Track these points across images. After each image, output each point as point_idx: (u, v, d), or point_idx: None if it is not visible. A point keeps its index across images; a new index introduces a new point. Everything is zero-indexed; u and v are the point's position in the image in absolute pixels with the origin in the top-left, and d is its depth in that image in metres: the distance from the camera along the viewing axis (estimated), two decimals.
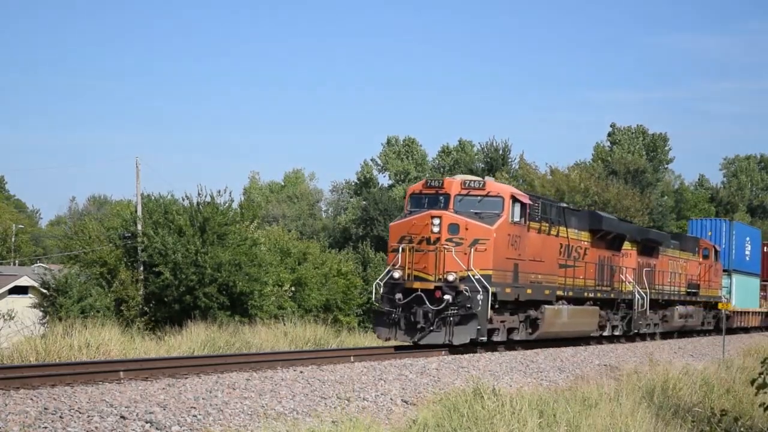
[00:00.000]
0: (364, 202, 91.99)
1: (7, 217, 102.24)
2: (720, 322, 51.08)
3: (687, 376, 21.70)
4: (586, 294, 33.34)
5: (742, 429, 16.11)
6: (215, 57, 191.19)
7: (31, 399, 13.54)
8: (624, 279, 37.74)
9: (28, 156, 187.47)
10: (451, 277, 26.04)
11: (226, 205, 45.99)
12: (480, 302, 25.96)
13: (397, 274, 26.57)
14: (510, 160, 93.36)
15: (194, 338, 30.69)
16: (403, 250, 26.55)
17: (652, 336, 41.94)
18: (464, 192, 27.26)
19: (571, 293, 31.94)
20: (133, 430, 12.34)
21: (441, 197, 27.35)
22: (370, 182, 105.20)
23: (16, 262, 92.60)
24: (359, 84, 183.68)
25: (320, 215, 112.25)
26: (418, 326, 25.96)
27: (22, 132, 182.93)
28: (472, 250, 26.30)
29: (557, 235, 31.01)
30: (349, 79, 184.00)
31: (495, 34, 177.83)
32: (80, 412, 12.71)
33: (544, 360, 26.65)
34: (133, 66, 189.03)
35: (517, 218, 27.71)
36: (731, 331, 52.85)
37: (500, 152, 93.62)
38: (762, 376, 14.76)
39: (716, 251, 50.14)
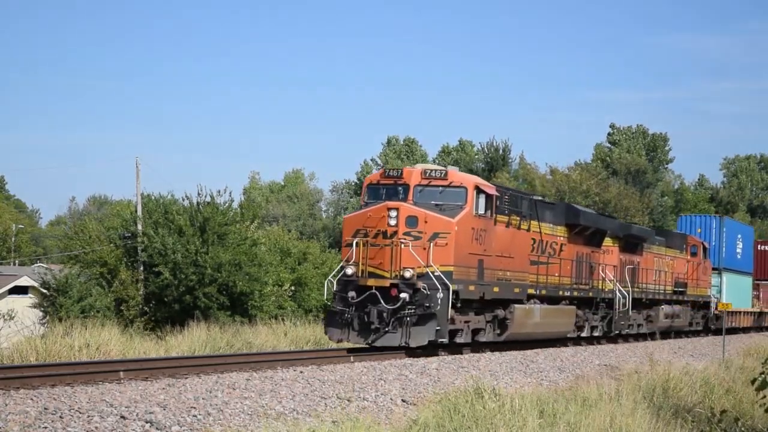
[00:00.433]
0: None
1: (7, 217, 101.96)
2: (709, 322, 49.25)
3: (687, 376, 21.34)
4: (561, 292, 31.40)
5: (742, 429, 16.02)
6: (215, 57, 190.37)
7: (31, 399, 13.46)
8: (604, 277, 35.81)
9: (28, 156, 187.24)
10: (407, 274, 24.11)
11: (226, 205, 45.89)
12: (439, 301, 24.03)
13: (350, 271, 24.64)
14: (510, 160, 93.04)
15: (195, 338, 30.57)
16: (357, 244, 24.62)
17: (636, 337, 40.04)
18: (425, 182, 25.35)
19: (544, 292, 30.00)
20: (133, 430, 12.25)
21: (400, 188, 25.43)
22: None
23: (16, 262, 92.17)
24: (359, 84, 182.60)
25: (320, 215, 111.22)
26: (373, 327, 24.04)
27: (22, 132, 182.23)
28: (432, 244, 24.38)
29: (528, 230, 29.08)
30: (349, 79, 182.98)
31: (495, 34, 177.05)
32: (80, 412, 12.64)
33: (544, 360, 26.15)
34: (133, 66, 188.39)
35: (482, 210, 25.77)
36: (721, 331, 50.92)
37: (500, 152, 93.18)
38: (762, 376, 14.61)
39: (705, 248, 48.18)
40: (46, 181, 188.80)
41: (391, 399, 16.92)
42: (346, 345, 25.31)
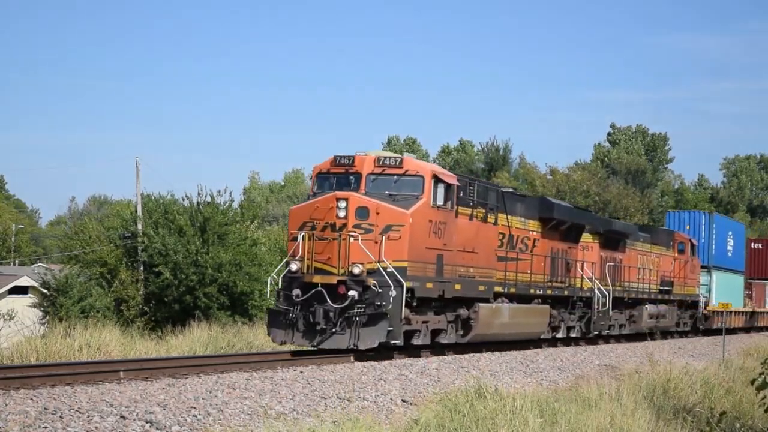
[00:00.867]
0: None
1: (7, 217, 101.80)
2: (698, 322, 47.28)
3: (687, 376, 21.18)
4: (533, 291, 29.43)
5: (741, 429, 16.02)
6: (215, 57, 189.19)
7: (31, 399, 13.41)
8: (583, 275, 33.83)
9: (28, 156, 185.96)
10: (356, 270, 22.13)
11: (226, 205, 46.15)
12: (392, 299, 22.06)
13: (294, 267, 22.68)
14: (510, 160, 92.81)
15: (195, 338, 30.58)
16: (303, 238, 22.64)
17: (618, 338, 38.07)
18: (378, 170, 23.38)
19: (513, 290, 28.02)
20: (133, 430, 12.19)
21: (351, 177, 23.46)
22: None
23: (16, 262, 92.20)
24: (359, 84, 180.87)
25: None
26: (318, 328, 22.06)
27: (22, 132, 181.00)
28: (384, 238, 22.40)
29: (496, 223, 27.09)
30: (349, 79, 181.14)
31: (495, 34, 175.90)
32: (80, 412, 12.59)
33: (544, 360, 25.84)
34: (134, 66, 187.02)
35: (440, 201, 23.79)
36: (710, 332, 48.99)
37: (500, 152, 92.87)
38: (762, 376, 14.55)
39: (693, 245, 46.18)
40: (46, 181, 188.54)
41: (391, 399, 16.69)
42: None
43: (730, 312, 52.51)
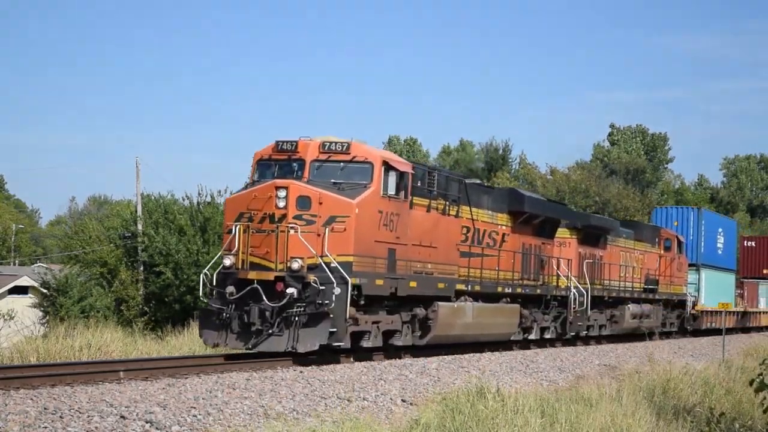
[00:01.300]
0: None
1: (7, 217, 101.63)
2: (686, 323, 45.33)
3: (687, 376, 21.08)
4: (501, 289, 27.44)
5: (741, 430, 16.09)
6: (215, 57, 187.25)
7: (31, 399, 13.41)
8: (558, 272, 31.87)
9: (28, 156, 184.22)
10: (295, 265, 20.16)
11: None
12: (335, 297, 20.09)
13: (228, 262, 20.71)
14: (510, 160, 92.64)
15: (195, 338, 29.88)
16: (238, 230, 20.68)
17: (599, 340, 36.10)
18: (323, 157, 21.42)
19: (478, 288, 26.05)
20: (133, 430, 12.15)
21: (294, 164, 21.52)
22: None
23: (16, 262, 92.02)
24: (360, 84, 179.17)
25: None
26: (254, 329, 20.08)
27: (22, 132, 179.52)
28: (328, 230, 20.43)
29: (458, 216, 25.11)
30: (350, 79, 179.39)
31: (495, 34, 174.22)
32: (80, 412, 12.55)
33: (544, 360, 25.60)
34: (134, 66, 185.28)
35: (392, 191, 21.82)
36: (699, 333, 47.03)
37: (500, 152, 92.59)
38: (761, 377, 14.59)
39: (680, 242, 44.18)
40: (46, 181, 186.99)
41: (391, 399, 16.59)
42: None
43: (720, 312, 50.62)
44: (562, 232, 33.37)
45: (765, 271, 63.41)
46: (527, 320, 29.35)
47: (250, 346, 20.17)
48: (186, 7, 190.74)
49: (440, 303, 23.99)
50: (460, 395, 15.16)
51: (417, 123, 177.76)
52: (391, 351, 23.30)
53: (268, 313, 19.97)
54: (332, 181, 21.12)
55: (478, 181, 28.06)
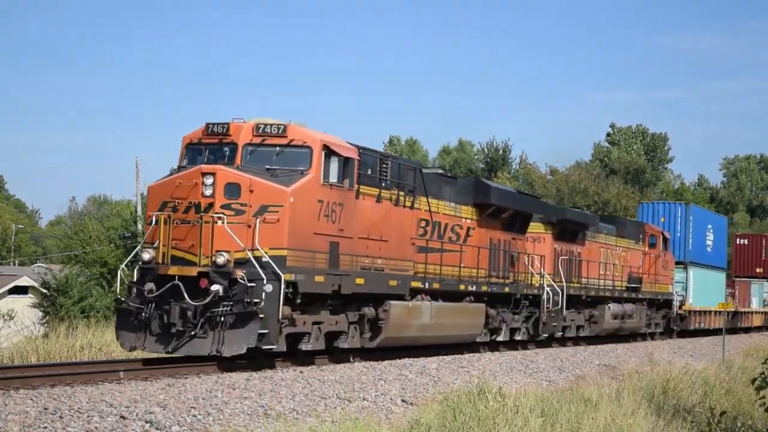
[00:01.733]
0: None
1: (7, 217, 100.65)
2: (672, 323, 43.37)
3: (687, 376, 20.96)
4: (464, 287, 25.45)
5: (741, 429, 16.05)
6: (215, 57, 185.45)
7: (31, 399, 13.40)
8: (531, 269, 29.90)
9: (28, 156, 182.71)
10: (220, 260, 18.18)
11: None
12: (265, 295, 18.12)
13: (147, 256, 18.72)
14: (510, 160, 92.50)
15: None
16: (159, 221, 18.69)
17: (577, 341, 34.11)
18: (257, 140, 19.45)
19: (437, 285, 24.06)
20: (133, 430, 12.08)
21: (226, 148, 19.55)
22: None
23: (16, 262, 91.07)
24: (359, 84, 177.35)
25: None
26: (174, 330, 18.09)
27: (22, 132, 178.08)
28: (259, 220, 18.45)
29: (413, 207, 23.13)
30: (349, 78, 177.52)
31: (495, 34, 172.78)
32: (80, 412, 12.53)
33: (544, 360, 25.48)
34: (134, 65, 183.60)
35: (334, 178, 19.84)
36: (686, 334, 45.08)
37: (500, 152, 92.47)
38: (762, 375, 14.53)
39: (665, 239, 42.19)
40: (46, 181, 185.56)
41: (390, 399, 16.47)
42: None
43: (708, 312, 48.68)
44: (535, 227, 31.44)
45: (758, 270, 61.53)
46: (494, 321, 27.36)
47: (170, 350, 18.17)
48: (186, 7, 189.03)
49: (392, 302, 22.02)
50: (461, 395, 14.91)
51: (417, 123, 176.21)
52: (337, 354, 21.32)
53: (190, 313, 17.98)
54: (268, 167, 19.16)
55: (440, 171, 26.04)
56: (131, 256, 20.69)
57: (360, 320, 21.36)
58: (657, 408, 16.88)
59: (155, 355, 19.53)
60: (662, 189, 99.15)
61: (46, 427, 11.69)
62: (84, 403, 13.15)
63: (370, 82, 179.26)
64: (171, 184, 18.95)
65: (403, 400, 16.62)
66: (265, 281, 18.09)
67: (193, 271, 18.16)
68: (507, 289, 27.82)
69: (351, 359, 21.71)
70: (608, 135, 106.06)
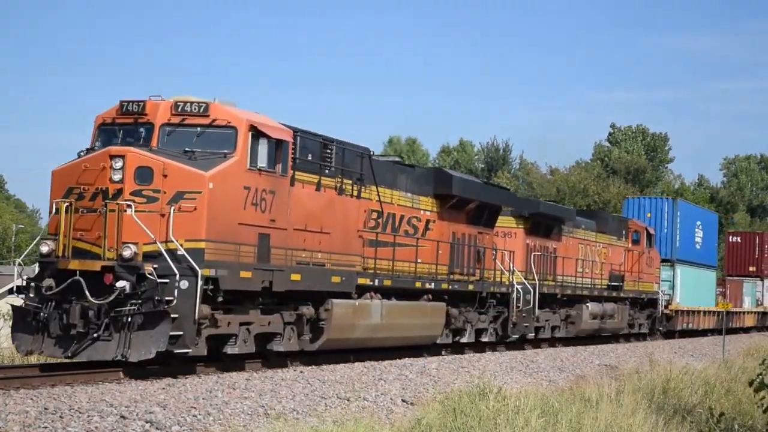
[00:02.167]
0: None
1: (8, 217, 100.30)
2: (657, 324, 41.38)
3: (687, 376, 20.98)
4: (421, 284, 23.43)
5: (741, 430, 16.23)
6: (214, 56, 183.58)
7: (31, 399, 13.25)
8: (501, 266, 27.91)
9: (28, 156, 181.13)
10: (127, 253, 16.17)
11: None
12: (177, 292, 16.12)
13: (45, 249, 16.70)
14: (510, 160, 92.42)
15: None
16: (58, 210, 16.67)
17: (553, 342, 32.12)
18: (176, 120, 17.43)
19: (389, 282, 22.05)
20: (133, 430, 11.97)
21: (142, 128, 17.53)
22: None
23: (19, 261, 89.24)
24: (359, 84, 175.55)
25: None
26: (75, 332, 16.07)
27: (22, 132, 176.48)
28: (173, 209, 16.45)
29: (359, 197, 21.13)
30: (349, 78, 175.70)
31: (495, 34, 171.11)
32: (80, 412, 12.40)
33: (544, 360, 25.39)
34: (133, 65, 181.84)
35: (263, 163, 17.80)
36: (674, 335, 43.10)
37: (500, 152, 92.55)
38: (760, 376, 14.55)
39: (650, 235, 40.19)
40: (46, 181, 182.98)
41: (391, 399, 16.37)
42: None
43: (698, 312, 46.73)
44: (506, 221, 29.49)
45: (751, 269, 59.54)
46: (457, 321, 25.34)
47: (69, 354, 16.15)
48: (186, 7, 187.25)
49: (335, 300, 20.02)
50: (462, 395, 14.84)
51: (417, 123, 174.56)
52: (272, 358, 19.32)
53: (92, 313, 15.96)
54: (188, 149, 17.16)
55: (397, 159, 24.02)
56: (29, 249, 18.61)
57: (298, 321, 19.36)
58: (657, 408, 16.78)
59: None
60: (662, 189, 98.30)
61: (46, 427, 11.51)
62: (84, 403, 12.98)
63: (370, 82, 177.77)
64: (77, 168, 16.94)
65: (403, 400, 16.42)
66: (178, 277, 16.09)
67: (96, 266, 16.14)
68: (471, 287, 25.80)
69: (289, 364, 19.72)
70: (609, 135, 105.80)
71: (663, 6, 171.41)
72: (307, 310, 19.42)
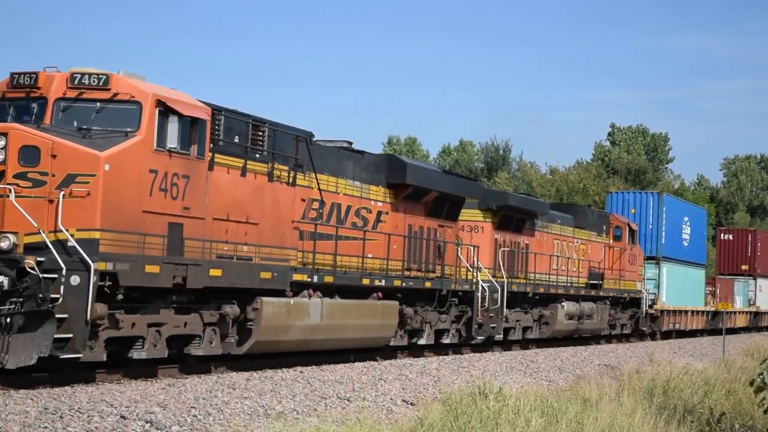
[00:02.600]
0: None
1: None
2: (641, 324, 39.37)
3: (687, 376, 20.75)
4: (369, 281, 21.39)
5: (741, 430, 16.01)
6: (214, 56, 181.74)
7: (31, 399, 12.98)
8: (466, 262, 25.89)
9: None
10: (5, 244, 14.18)
11: None
12: (68, 289, 14.12)
13: None
14: (510, 160, 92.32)
15: None
16: None
17: (526, 344, 30.09)
18: (73, 94, 15.43)
19: (330, 279, 20.02)
20: (133, 430, 11.83)
21: (34, 103, 15.51)
22: None
23: None
24: (359, 84, 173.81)
25: None
26: None
27: None
28: (64, 194, 14.42)
29: (295, 184, 19.09)
30: (349, 78, 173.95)
31: (495, 34, 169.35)
32: (80, 412, 12.26)
33: (544, 360, 25.33)
34: (134, 65, 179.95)
35: (174, 143, 15.77)
36: (654, 336, 41.08)
37: (500, 152, 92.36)
38: (761, 376, 14.30)
39: (632, 230, 38.15)
40: None
41: (391, 399, 16.29)
42: None
43: (685, 311, 44.71)
44: (472, 215, 27.50)
45: (744, 267, 57.49)
46: (413, 321, 23.30)
47: None
48: (186, 7, 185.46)
49: (265, 299, 17.98)
50: (463, 395, 14.68)
51: (417, 123, 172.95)
52: (191, 363, 17.29)
53: None
54: (86, 126, 15.16)
55: (345, 144, 21.99)
56: None
57: (221, 321, 17.32)
58: (658, 408, 16.61)
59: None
60: (662, 189, 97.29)
61: (46, 427, 11.33)
62: (84, 403, 12.83)
63: (370, 82, 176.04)
64: None
65: (403, 400, 16.33)
66: (65, 271, 14.07)
67: None
68: (429, 284, 23.76)
69: (213, 369, 17.70)
70: (609, 135, 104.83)
71: (663, 6, 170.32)
72: (231, 310, 17.38)
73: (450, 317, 25.05)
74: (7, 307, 13.91)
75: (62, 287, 14.05)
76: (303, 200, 19.45)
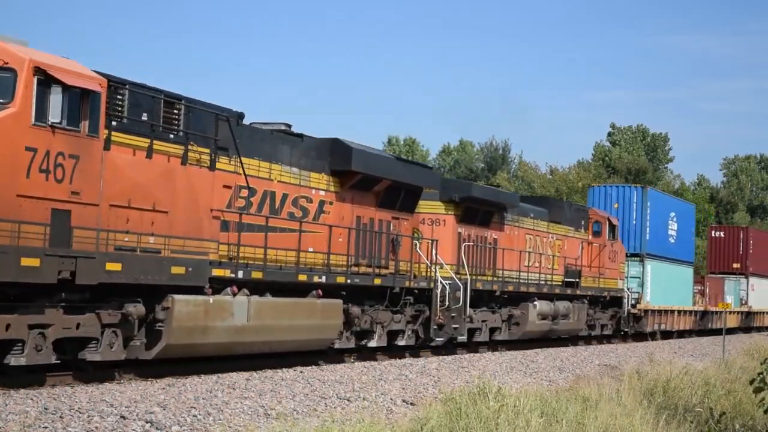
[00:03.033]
0: None
1: None
2: (623, 324, 37.35)
3: (687, 376, 20.69)
4: (307, 277, 19.36)
5: (741, 430, 16.12)
6: (214, 56, 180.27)
7: (31, 399, 12.89)
8: (424, 258, 23.87)
9: None
10: None
11: None
12: None
13: None
14: (510, 159, 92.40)
15: None
16: None
17: (494, 346, 28.06)
18: None
19: (259, 274, 18.00)
20: (133, 430, 11.79)
21: None
22: None
23: None
24: (359, 83, 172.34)
25: None
26: None
27: None
28: None
29: (214, 168, 17.05)
30: (349, 78, 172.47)
31: (495, 34, 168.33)
32: (80, 412, 12.22)
33: (544, 360, 25.19)
34: (134, 64, 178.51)
35: (57, 117, 13.74)
36: (642, 336, 39.10)
37: (500, 152, 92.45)
38: (761, 376, 14.37)
39: (613, 226, 36.11)
40: None
41: (391, 399, 16.16)
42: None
43: (672, 311, 42.71)
44: (433, 206, 25.49)
45: (735, 266, 55.48)
46: (361, 321, 21.27)
47: None
48: (186, 7, 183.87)
49: (177, 297, 15.95)
50: (463, 395, 14.50)
51: (417, 123, 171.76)
52: (89, 369, 15.27)
53: None
54: None
55: (283, 127, 19.94)
56: None
57: (122, 322, 15.27)
58: (658, 408, 16.57)
59: None
60: (662, 188, 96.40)
61: (46, 427, 11.28)
62: (84, 403, 12.82)
63: (369, 82, 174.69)
64: None
65: (403, 401, 16.24)
66: None
67: None
68: (378, 281, 21.72)
69: (117, 376, 15.68)
70: (609, 135, 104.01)
71: (663, 6, 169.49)
72: (135, 309, 15.34)
73: (405, 317, 23.02)
74: None
75: None
76: (227, 187, 17.43)
